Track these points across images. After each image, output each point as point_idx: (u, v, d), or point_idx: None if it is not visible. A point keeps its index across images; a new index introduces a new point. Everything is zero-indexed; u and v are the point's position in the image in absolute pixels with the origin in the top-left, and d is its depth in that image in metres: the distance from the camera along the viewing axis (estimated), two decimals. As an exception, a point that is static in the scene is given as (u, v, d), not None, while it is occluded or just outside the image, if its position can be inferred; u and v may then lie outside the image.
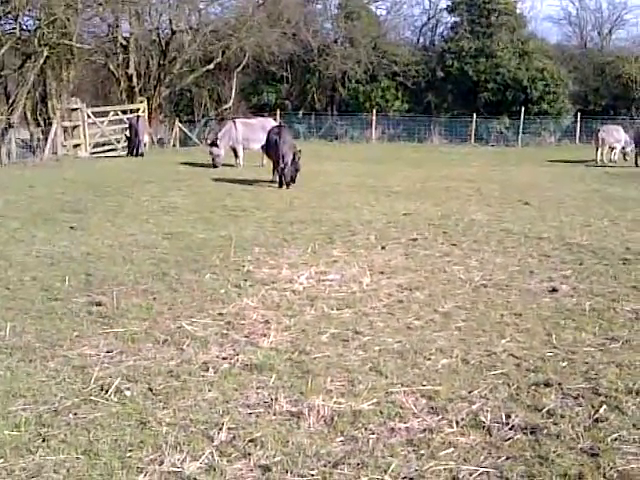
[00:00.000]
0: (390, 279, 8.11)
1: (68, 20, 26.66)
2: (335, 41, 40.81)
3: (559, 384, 5.14)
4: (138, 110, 28.61)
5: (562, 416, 4.65)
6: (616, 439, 4.35)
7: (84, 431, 4.42)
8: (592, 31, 50.00)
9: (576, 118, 36.69)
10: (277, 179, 16.31)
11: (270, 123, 21.08)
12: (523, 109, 36.15)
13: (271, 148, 16.60)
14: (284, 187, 15.86)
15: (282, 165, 16.04)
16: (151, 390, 5.01)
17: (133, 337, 6.05)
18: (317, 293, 7.49)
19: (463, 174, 20.00)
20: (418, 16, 46.01)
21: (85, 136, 25.60)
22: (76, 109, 25.73)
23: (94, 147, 26.45)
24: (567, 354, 5.77)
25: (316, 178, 17.00)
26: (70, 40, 27.44)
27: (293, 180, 16.28)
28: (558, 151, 31.01)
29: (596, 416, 4.65)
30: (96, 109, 27.96)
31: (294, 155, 16.31)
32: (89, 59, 33.14)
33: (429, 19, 45.02)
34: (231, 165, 20.82)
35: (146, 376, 5.24)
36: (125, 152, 24.61)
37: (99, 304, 6.95)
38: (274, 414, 4.66)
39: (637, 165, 23.62)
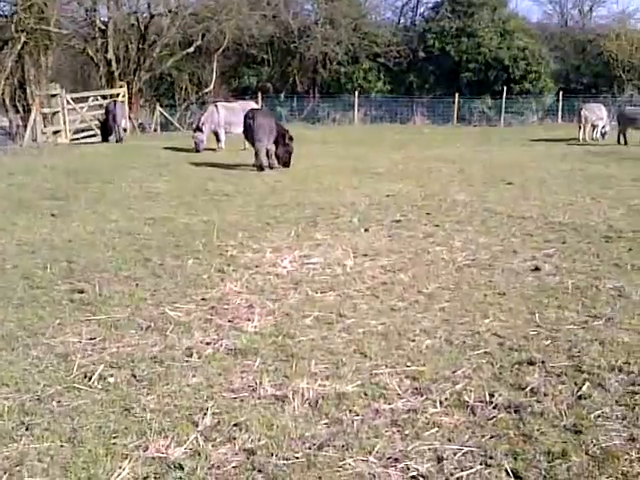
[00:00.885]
0: (374, 261, 8.11)
1: (45, 5, 26.42)
2: (316, 22, 40.62)
3: (542, 362, 5.16)
4: (118, 95, 28.34)
5: (545, 394, 4.67)
6: (599, 416, 4.38)
7: (68, 419, 4.40)
8: (573, 9, 50.16)
9: (558, 97, 36.73)
10: (271, 163, 16.46)
11: (252, 106, 21.00)
12: (505, 88, 36.17)
13: (246, 132, 16.66)
14: (265, 170, 15.90)
15: (256, 149, 16.21)
16: (135, 376, 4.99)
17: (116, 324, 6.02)
18: (301, 276, 7.48)
19: (446, 155, 20.01)
20: (399, -4, 45.80)
21: (65, 122, 25.34)
22: (55, 95, 25.46)
23: (74, 133, 26.19)
24: (550, 332, 5.80)
25: (299, 161, 16.94)
26: (48, 25, 27.17)
27: (287, 164, 16.34)
28: (540, 130, 31.04)
29: (579, 393, 4.68)
30: (75, 95, 27.65)
31: (284, 137, 16.35)
32: (67, 44, 32.87)
33: (410, -1, 44.88)
34: (213, 149, 20.73)
35: (129, 362, 5.22)
36: (110, 137, 24.24)
37: (81, 291, 6.91)
38: (258, 398, 4.65)
39: (619, 143, 23.70)
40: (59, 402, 4.61)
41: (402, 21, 45.27)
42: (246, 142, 18.27)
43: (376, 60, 40.24)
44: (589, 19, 49.30)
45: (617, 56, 40.86)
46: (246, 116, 16.79)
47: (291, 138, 16.59)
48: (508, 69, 38.49)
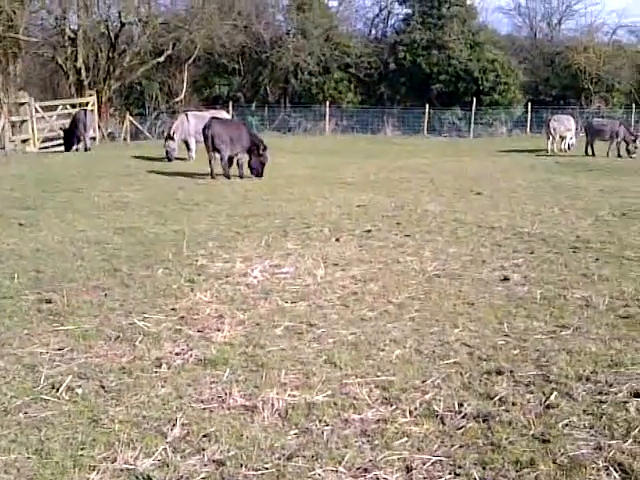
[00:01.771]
0: (344, 271, 8.12)
1: (14, 12, 26.17)
2: (287, 33, 40.74)
3: (511, 372, 5.19)
4: (87, 104, 28.16)
5: (514, 403, 4.70)
6: (567, 425, 4.41)
7: (35, 430, 4.34)
8: (542, 21, 50.82)
9: (527, 108, 37.18)
10: (240, 172, 16.59)
11: (222, 115, 20.98)
12: (475, 100, 36.52)
13: (205, 141, 16.72)
14: (234, 179, 16.10)
15: (211, 157, 16.37)
16: (103, 387, 4.95)
17: (84, 334, 5.96)
18: (271, 286, 7.46)
19: (416, 165, 20.13)
20: (370, 8, 46.20)
21: (33, 131, 25.15)
22: (24, 103, 25.27)
23: (43, 142, 26.00)
24: (519, 342, 5.84)
25: (270, 171, 16.93)
26: (16, 33, 26.96)
27: (260, 174, 16.37)
28: (510, 141, 31.36)
29: (547, 403, 4.71)
30: (44, 103, 27.46)
31: (258, 148, 16.37)
32: (36, 52, 32.64)
33: (381, 11, 45.23)
34: (183, 158, 20.65)
35: (98, 373, 5.17)
36: (74, 147, 23.97)
37: (49, 301, 6.83)
38: (228, 409, 4.63)
39: (587, 154, 24.00)
40: (26, 413, 4.55)
41: (373, 32, 45.60)
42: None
43: (347, 71, 40.43)
44: (558, 32, 50.02)
45: (585, 68, 41.46)
46: (205, 126, 16.80)
47: (265, 148, 16.60)
48: (478, 81, 38.87)
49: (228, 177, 16.21)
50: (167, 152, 20.27)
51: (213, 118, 17.67)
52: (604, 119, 27.56)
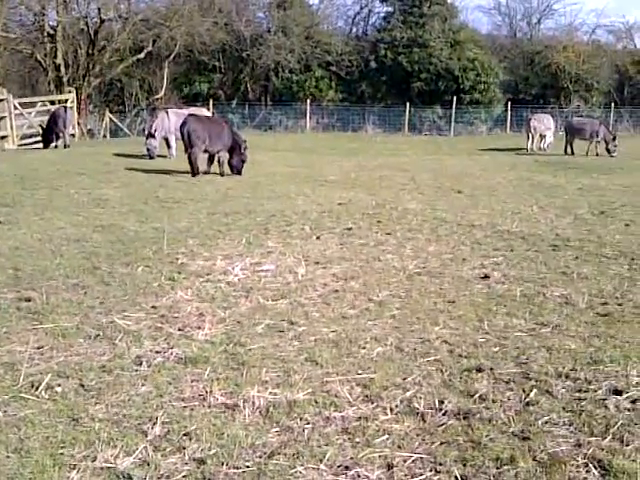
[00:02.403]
0: (325, 269, 8.12)
1: (-7, 8, 25.94)
2: (268, 30, 40.68)
3: (491, 369, 5.22)
4: (67, 101, 27.98)
5: (494, 401, 4.72)
6: (546, 422, 4.44)
7: (14, 429, 4.30)
8: (522, 21, 51.13)
9: (507, 107, 37.37)
10: (221, 170, 16.54)
11: (203, 113, 20.90)
12: (455, 98, 36.64)
13: (182, 138, 16.67)
14: (215, 177, 16.04)
15: (187, 153, 16.30)
16: (83, 386, 4.92)
17: (64, 332, 5.92)
18: (252, 284, 7.45)
19: (397, 163, 20.17)
20: (351, 6, 46.18)
21: (12, 128, 24.92)
22: (2, 100, 25.00)
23: (22, 139, 25.79)
24: (499, 339, 5.87)
25: (250, 168, 16.91)
26: (-5, 29, 26.71)
27: (239, 172, 16.34)
28: (490, 140, 31.49)
29: (527, 400, 4.74)
30: (23, 100, 27.26)
31: (240, 146, 16.35)
32: (15, 49, 32.37)
33: (362, 9, 45.29)
34: (164, 156, 20.56)
35: (78, 372, 5.14)
36: (53, 144, 23.84)
37: (28, 299, 6.77)
38: (209, 407, 4.62)
39: (566, 153, 24.15)
40: (5, 412, 4.52)
41: (354, 30, 45.65)
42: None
43: (328, 69, 40.44)
44: (537, 31, 50.32)
45: (564, 68, 41.74)
46: (182, 123, 16.77)
47: (246, 148, 16.58)
48: (458, 79, 39.00)
49: (195, 174, 16.10)
50: (148, 150, 20.15)
51: (190, 115, 17.62)
52: (584, 118, 27.73)
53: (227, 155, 16.53)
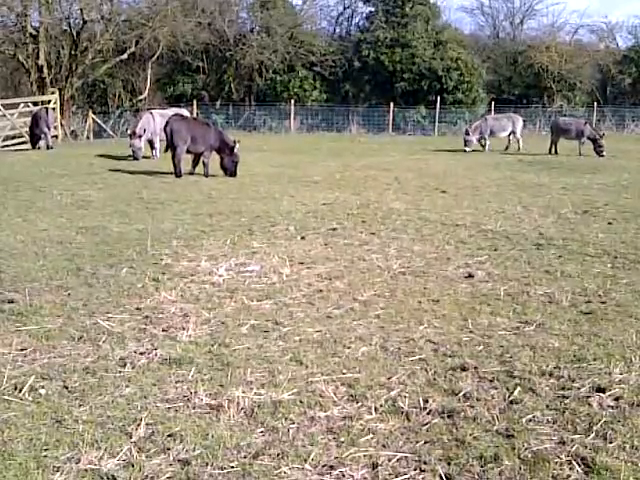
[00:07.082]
0: (310, 269, 8.12)
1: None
2: (251, 30, 40.62)
3: (475, 368, 5.24)
4: (49, 102, 27.83)
5: (478, 399, 4.74)
6: (530, 420, 4.46)
7: (-3, 432, 4.29)
8: (504, 21, 51.32)
9: (490, 107, 37.44)
10: (205, 171, 16.50)
11: (187, 114, 20.83)
12: (439, 98, 36.71)
13: (166, 138, 16.68)
14: (199, 178, 16.03)
15: (172, 154, 16.29)
16: (67, 388, 4.89)
17: (47, 334, 5.90)
18: (237, 285, 7.44)
19: (381, 163, 20.20)
20: (334, 6, 46.16)
21: (-6, 129, 24.80)
22: (-16, 101, 24.89)
23: (4, 140, 25.64)
24: (483, 338, 5.89)
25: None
26: (-24, 30, 26.52)
27: (233, 173, 16.29)
28: (473, 140, 31.48)
29: (511, 398, 4.76)
30: (5, 101, 27.09)
31: (229, 147, 16.28)
32: (-3, 49, 32.13)
33: (345, 9, 45.31)
34: (148, 157, 20.49)
35: (61, 374, 5.12)
36: (36, 146, 23.75)
37: (11, 301, 6.74)
38: (193, 408, 4.61)
39: (550, 153, 24.24)
40: (-13, 415, 4.49)
41: (337, 31, 45.66)
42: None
43: (312, 69, 40.40)
44: (520, 31, 50.49)
45: (547, 67, 41.95)
46: (166, 123, 16.74)
47: (237, 148, 16.48)
48: (441, 79, 39.07)
49: (179, 175, 16.07)
50: (133, 151, 20.04)
51: (174, 115, 17.58)
52: (570, 118, 27.80)
53: (213, 156, 16.45)
